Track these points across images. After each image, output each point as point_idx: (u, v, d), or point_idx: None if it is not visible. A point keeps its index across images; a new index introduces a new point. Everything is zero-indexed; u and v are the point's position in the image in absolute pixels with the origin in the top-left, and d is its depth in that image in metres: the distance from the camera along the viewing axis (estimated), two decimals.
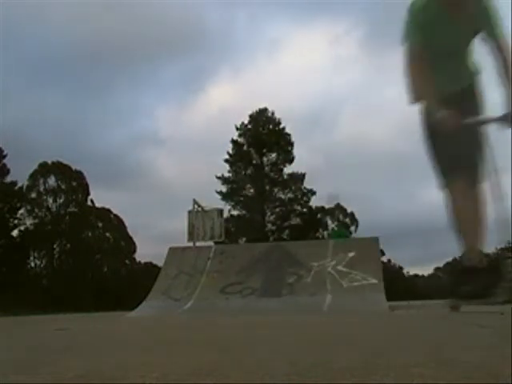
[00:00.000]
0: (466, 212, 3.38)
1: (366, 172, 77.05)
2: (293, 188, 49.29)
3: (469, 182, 3.34)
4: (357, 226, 55.99)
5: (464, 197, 3.37)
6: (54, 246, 47.25)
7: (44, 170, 47.31)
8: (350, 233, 44.65)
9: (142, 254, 63.14)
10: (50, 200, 47.68)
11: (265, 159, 49.49)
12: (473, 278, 3.32)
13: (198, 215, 12.03)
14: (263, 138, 48.48)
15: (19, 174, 44.99)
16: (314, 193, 49.39)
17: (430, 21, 3.29)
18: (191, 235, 11.80)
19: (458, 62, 3.47)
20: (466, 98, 3.46)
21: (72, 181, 47.95)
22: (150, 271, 38.46)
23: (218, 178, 48.01)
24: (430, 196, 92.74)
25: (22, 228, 45.90)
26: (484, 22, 3.27)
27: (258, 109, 49.87)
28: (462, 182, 3.33)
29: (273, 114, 49.85)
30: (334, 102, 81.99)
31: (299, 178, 49.24)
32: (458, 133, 3.11)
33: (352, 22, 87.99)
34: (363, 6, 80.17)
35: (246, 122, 49.54)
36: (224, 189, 48.01)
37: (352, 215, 57.05)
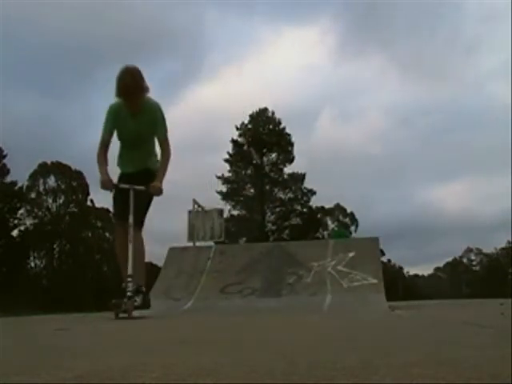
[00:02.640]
0: (121, 250, 4.71)
1: (365, 172, 77.02)
2: (293, 188, 49.30)
3: (126, 224, 4.61)
4: (357, 226, 56.04)
5: (121, 238, 4.75)
6: (54, 246, 47.25)
7: (44, 170, 47.30)
8: (350, 233, 44.66)
9: None
10: (50, 200, 47.69)
11: (265, 159, 49.52)
12: (120, 295, 4.58)
13: (197, 215, 12.04)
14: (263, 138, 48.49)
15: (19, 174, 45.03)
16: (314, 193, 49.43)
17: (119, 118, 4.59)
18: (191, 235, 11.80)
19: (138, 149, 4.79)
20: (138, 176, 4.76)
21: (72, 181, 47.95)
22: (150, 271, 38.42)
23: (218, 177, 48.01)
24: (429, 196, 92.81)
25: (22, 228, 45.92)
26: (154, 124, 4.64)
27: (258, 109, 49.90)
28: (121, 225, 4.73)
29: (273, 113, 49.88)
30: (336, 100, 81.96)
31: (299, 178, 49.26)
32: (121, 193, 4.71)
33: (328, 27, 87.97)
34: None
35: (246, 121, 49.55)
36: (224, 189, 48.05)
37: (352, 215, 57.10)
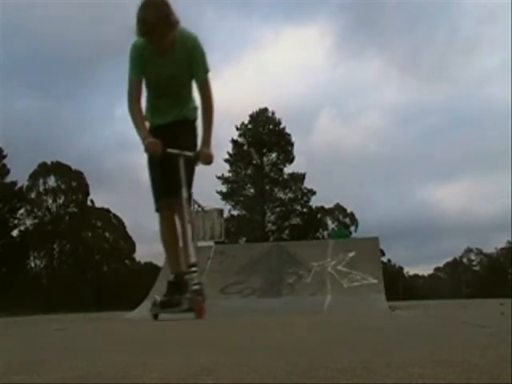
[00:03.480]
0: (168, 237, 3.95)
1: (365, 172, 77.06)
2: (293, 188, 49.35)
3: (174, 205, 3.77)
4: (357, 226, 56.03)
5: (170, 220, 3.90)
6: (54, 246, 47.27)
7: (44, 170, 47.32)
8: (350, 233, 44.66)
9: (142, 254, 63.17)
10: (50, 200, 47.70)
11: (265, 159, 49.56)
12: (170, 291, 3.93)
13: (198, 215, 12.04)
14: (263, 138, 48.51)
15: (19, 174, 45.06)
16: (314, 193, 49.47)
17: (145, 59, 3.66)
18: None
19: (171, 96, 3.84)
20: (174, 128, 3.83)
21: (72, 181, 47.96)
22: (150, 271, 38.49)
23: (218, 177, 48.07)
24: (429, 196, 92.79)
25: (22, 228, 45.98)
26: (190, 63, 3.69)
27: (258, 109, 49.91)
28: (168, 204, 3.83)
29: (273, 113, 49.90)
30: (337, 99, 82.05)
31: (299, 177, 49.29)
32: (163, 159, 3.71)
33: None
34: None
35: (246, 121, 49.56)
36: (224, 189, 48.08)
37: (352, 215, 57.07)
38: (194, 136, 3.97)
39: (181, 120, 3.88)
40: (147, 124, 3.90)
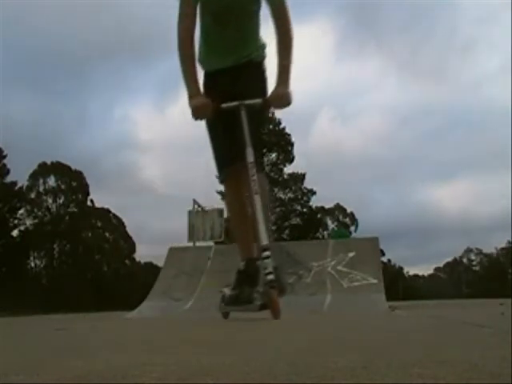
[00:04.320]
0: (236, 214, 3.23)
1: (365, 172, 77.08)
2: (293, 188, 49.35)
3: (241, 172, 2.98)
4: (357, 226, 56.06)
5: (234, 196, 3.20)
6: (54, 246, 47.27)
7: (44, 170, 47.33)
8: (350, 233, 44.69)
9: (142, 254, 63.24)
10: (50, 200, 47.72)
11: (265, 159, 49.57)
12: (239, 283, 3.21)
13: (198, 215, 12.05)
14: (263, 138, 48.53)
15: (19, 174, 45.10)
16: (314, 193, 49.50)
17: None
18: (191, 235, 11.82)
19: (234, 30, 2.99)
20: (237, 75, 3.06)
21: (72, 181, 47.98)
22: (150, 271, 38.53)
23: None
24: (429, 196, 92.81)
25: (22, 228, 45.98)
26: None
27: None
28: (234, 175, 3.08)
29: (273, 114, 49.88)
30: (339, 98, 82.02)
31: (299, 177, 49.30)
32: (222, 116, 2.98)
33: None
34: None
35: None
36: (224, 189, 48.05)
37: (352, 215, 57.10)
38: (262, 80, 3.19)
39: (244, 63, 3.07)
40: (200, 70, 3.11)
